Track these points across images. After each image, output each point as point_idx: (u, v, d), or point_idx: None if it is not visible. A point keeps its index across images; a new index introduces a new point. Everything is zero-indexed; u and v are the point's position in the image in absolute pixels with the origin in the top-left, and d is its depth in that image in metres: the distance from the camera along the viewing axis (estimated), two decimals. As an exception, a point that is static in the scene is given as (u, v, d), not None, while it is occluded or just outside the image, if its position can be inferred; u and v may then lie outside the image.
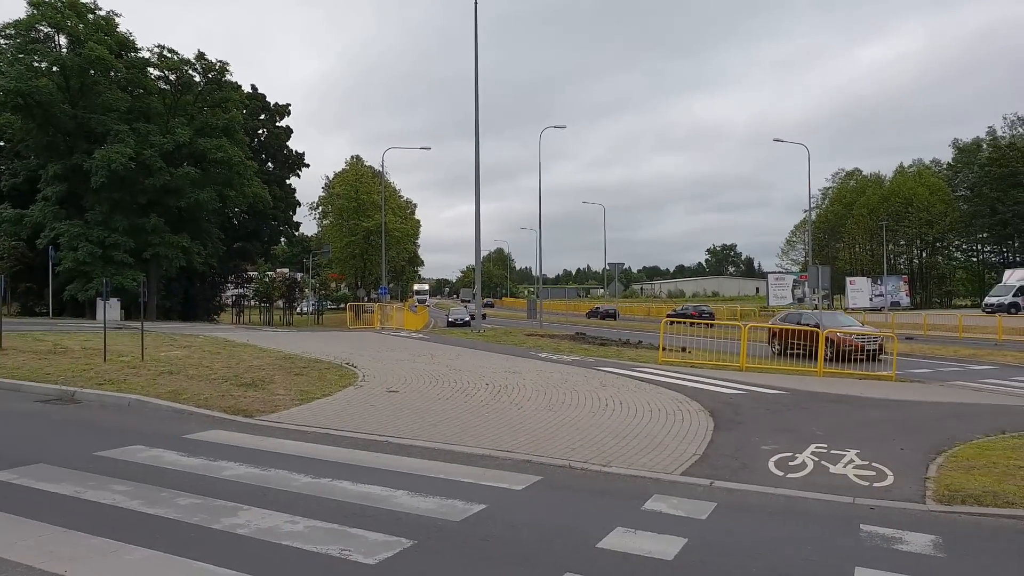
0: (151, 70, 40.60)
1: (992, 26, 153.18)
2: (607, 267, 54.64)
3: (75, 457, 7.15)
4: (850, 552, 5.24)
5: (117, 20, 39.11)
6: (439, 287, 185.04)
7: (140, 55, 39.95)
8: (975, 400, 13.70)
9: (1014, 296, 49.85)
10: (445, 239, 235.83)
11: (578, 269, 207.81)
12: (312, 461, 7.36)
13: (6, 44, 36.17)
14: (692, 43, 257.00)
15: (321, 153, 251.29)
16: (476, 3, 28.97)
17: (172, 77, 40.83)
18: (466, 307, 55.84)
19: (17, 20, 35.88)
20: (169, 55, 39.89)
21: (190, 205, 38.52)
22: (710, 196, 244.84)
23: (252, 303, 53.54)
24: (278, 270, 62.22)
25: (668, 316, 34.77)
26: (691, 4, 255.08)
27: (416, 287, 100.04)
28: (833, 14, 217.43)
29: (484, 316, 35.00)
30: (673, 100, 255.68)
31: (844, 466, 7.79)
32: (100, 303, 30.85)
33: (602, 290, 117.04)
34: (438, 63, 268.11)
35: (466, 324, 41.47)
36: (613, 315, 29.75)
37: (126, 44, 39.46)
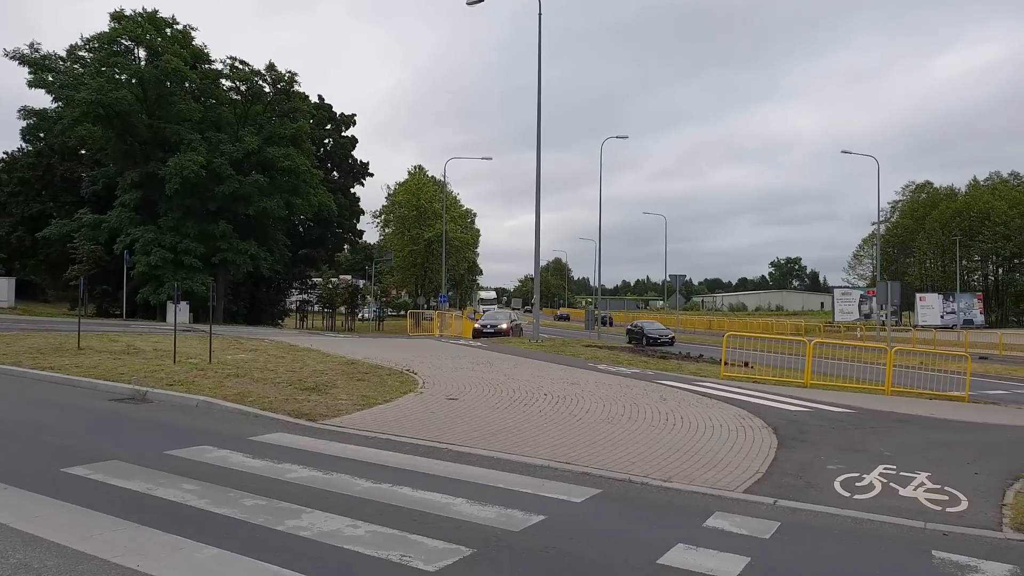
0: (223, 81, 42.10)
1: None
2: (667, 278, 53.99)
3: (147, 455, 7.44)
4: (923, 580, 5.04)
5: (193, 34, 40.75)
6: (499, 296, 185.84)
7: (213, 67, 41.48)
8: (1057, 425, 13.01)
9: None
10: (506, 249, 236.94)
11: (637, 280, 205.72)
12: (373, 466, 7.48)
13: (90, 57, 38.02)
14: (759, 54, 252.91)
15: (389, 164, 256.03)
16: (540, 16, 29.13)
17: (243, 88, 42.24)
18: (510, 313, 48.33)
19: (100, 34, 37.69)
20: (240, 67, 41.29)
21: (258, 212, 39.67)
22: (776, 208, 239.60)
23: (315, 308, 54.72)
24: (341, 277, 63.51)
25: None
26: (755, 17, 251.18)
27: (482, 294, 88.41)
28: (906, 23, 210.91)
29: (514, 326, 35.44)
30: (740, 111, 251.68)
31: (914, 489, 7.50)
32: (171, 306, 32.09)
33: (661, 302, 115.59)
34: (505, 76, 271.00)
35: (497, 333, 36.54)
36: (669, 342, 25.19)
37: (201, 56, 41.01)
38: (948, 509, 6.87)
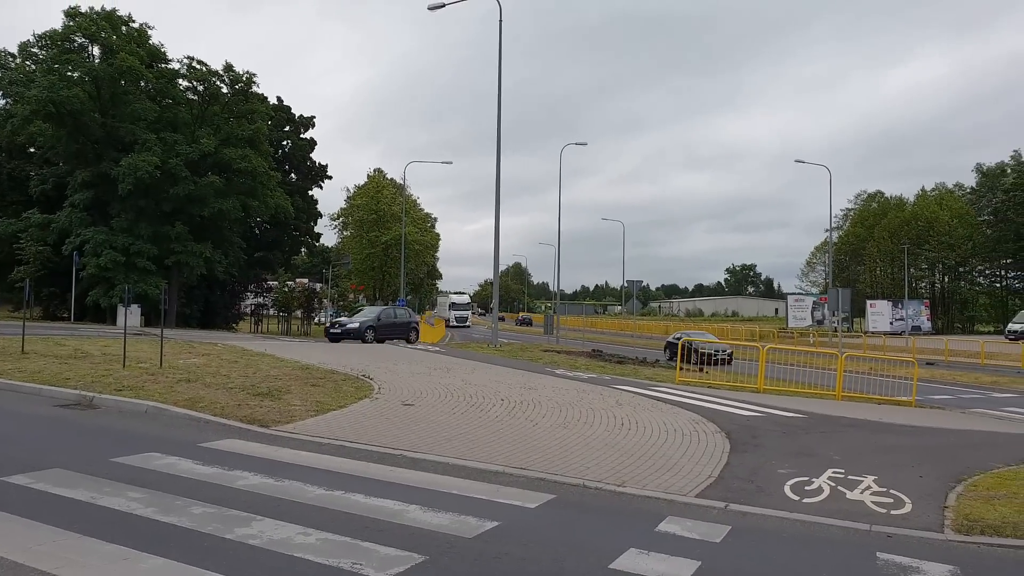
0: (180, 81, 41.26)
1: (1016, 54, 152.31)
2: (625, 284, 54.58)
3: (91, 463, 7.23)
4: (866, 581, 5.17)
5: (150, 32, 39.89)
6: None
7: (170, 66, 40.64)
8: (996, 428, 13.49)
9: (1039, 323, 49.07)
10: (467, 253, 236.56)
11: (596, 285, 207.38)
12: (326, 473, 7.39)
13: (42, 55, 36.95)
14: (718, 63, 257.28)
15: (353, 164, 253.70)
16: (500, 21, 29.26)
17: (200, 88, 41.45)
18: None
19: (53, 31, 36.66)
20: (198, 66, 40.50)
21: (213, 214, 38.93)
22: (732, 215, 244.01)
23: (271, 312, 53.91)
24: (298, 280, 62.63)
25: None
26: (716, 25, 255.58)
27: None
28: (858, 40, 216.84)
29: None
30: (699, 119, 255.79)
31: (861, 492, 7.69)
32: (121, 309, 31.29)
33: (619, 307, 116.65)
34: (470, 79, 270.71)
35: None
36: (727, 359, 25.34)
37: (157, 55, 40.14)
38: (893, 511, 7.06)
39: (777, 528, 6.51)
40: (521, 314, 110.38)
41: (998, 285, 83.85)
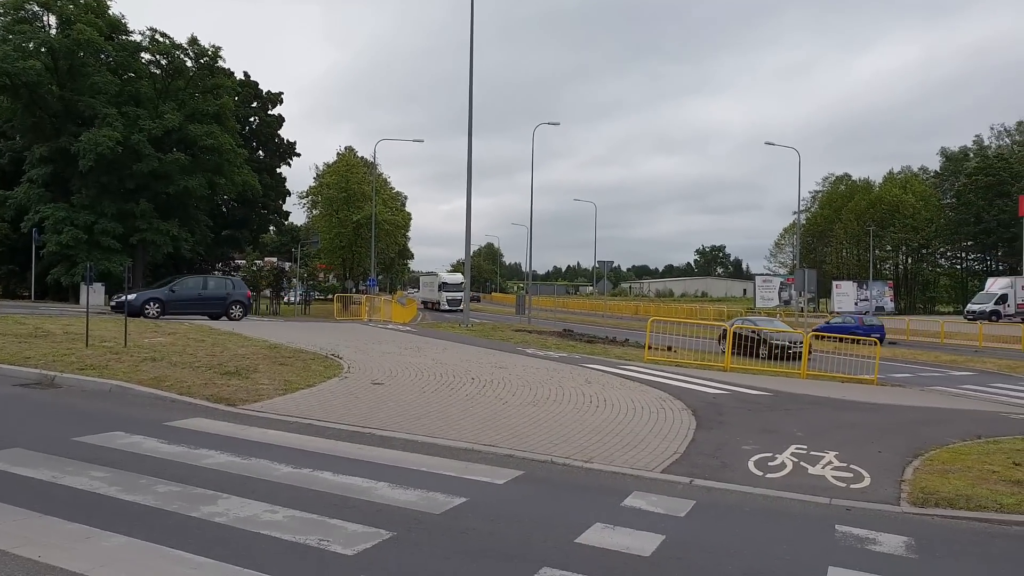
0: (142, 54, 40.24)
1: (983, 42, 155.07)
2: (597, 264, 54.76)
3: (53, 442, 7.11)
4: (824, 552, 5.31)
5: (110, 3, 38.80)
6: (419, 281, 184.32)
7: (132, 38, 39.60)
8: (953, 405, 13.88)
9: (995, 304, 50.43)
10: (440, 233, 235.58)
11: (568, 266, 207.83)
12: (294, 451, 7.36)
13: (-6, 24, 35.81)
14: (692, 48, 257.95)
15: (323, 145, 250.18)
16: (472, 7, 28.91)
17: (163, 61, 40.49)
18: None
19: (5, -1, 35.51)
20: (161, 39, 39.56)
21: (179, 192, 38.23)
22: (703, 197, 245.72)
23: (239, 291, 53.17)
24: (266, 259, 61.85)
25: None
26: (690, 11, 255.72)
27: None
28: (829, 26, 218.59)
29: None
30: (672, 103, 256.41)
31: (823, 467, 7.87)
32: (84, 287, 30.65)
33: (591, 287, 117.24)
34: (444, 59, 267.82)
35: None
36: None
37: (118, 27, 39.09)
38: (852, 486, 7.24)
39: (740, 503, 6.64)
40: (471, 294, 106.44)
41: (959, 267, 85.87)
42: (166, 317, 23.53)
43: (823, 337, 22.07)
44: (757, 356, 19.86)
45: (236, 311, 25.89)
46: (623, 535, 5.33)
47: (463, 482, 6.57)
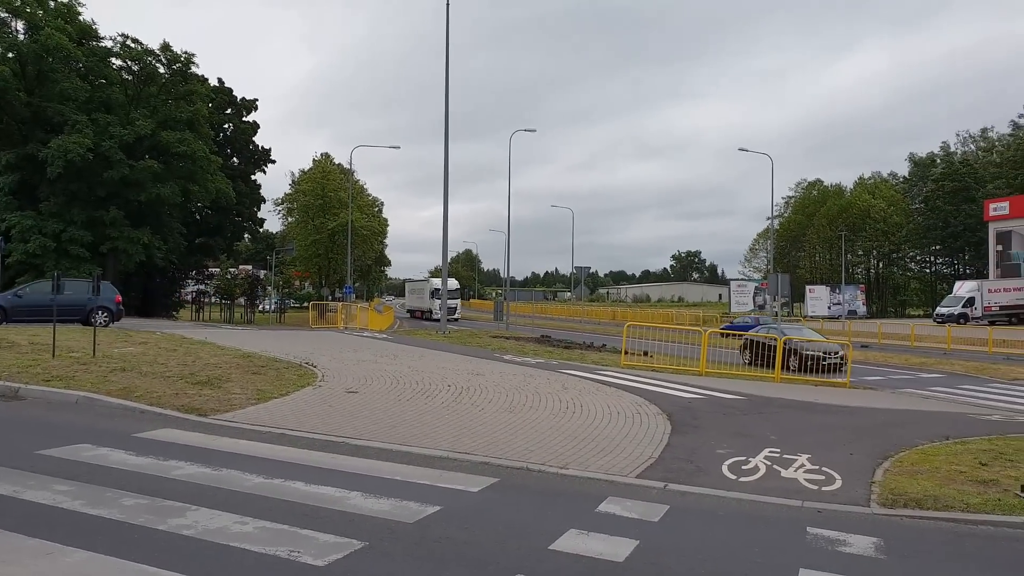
0: (113, 60, 39.68)
1: (950, 53, 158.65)
2: (574, 270, 54.88)
3: (15, 456, 6.94)
4: (795, 554, 5.34)
5: (80, 8, 38.23)
6: (403, 287, 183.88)
7: (103, 44, 39.05)
8: (923, 407, 14.06)
9: (963, 307, 51.29)
10: (419, 239, 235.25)
11: (547, 272, 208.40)
12: (266, 461, 7.27)
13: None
14: (669, 56, 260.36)
15: (300, 151, 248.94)
16: (448, 5, 28.98)
17: (135, 67, 39.94)
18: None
19: (-29, 4, 34.83)
20: (133, 45, 39.01)
21: (151, 199, 37.63)
22: (679, 203, 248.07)
23: (213, 300, 52.65)
24: (241, 267, 61.33)
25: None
26: (668, 19, 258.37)
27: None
28: (803, 35, 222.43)
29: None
30: (650, 110, 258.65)
31: (795, 470, 7.93)
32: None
33: (569, 293, 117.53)
34: (423, 65, 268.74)
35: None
36: (840, 362, 20.46)
37: (88, 32, 38.51)
38: (824, 488, 7.31)
39: (714, 507, 6.67)
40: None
41: (928, 271, 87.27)
42: (10, 324, 21.22)
43: (727, 335, 22.40)
44: (786, 368, 17.98)
45: (100, 317, 23.29)
46: (597, 541, 5.32)
47: (437, 490, 6.53)
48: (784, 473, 7.81)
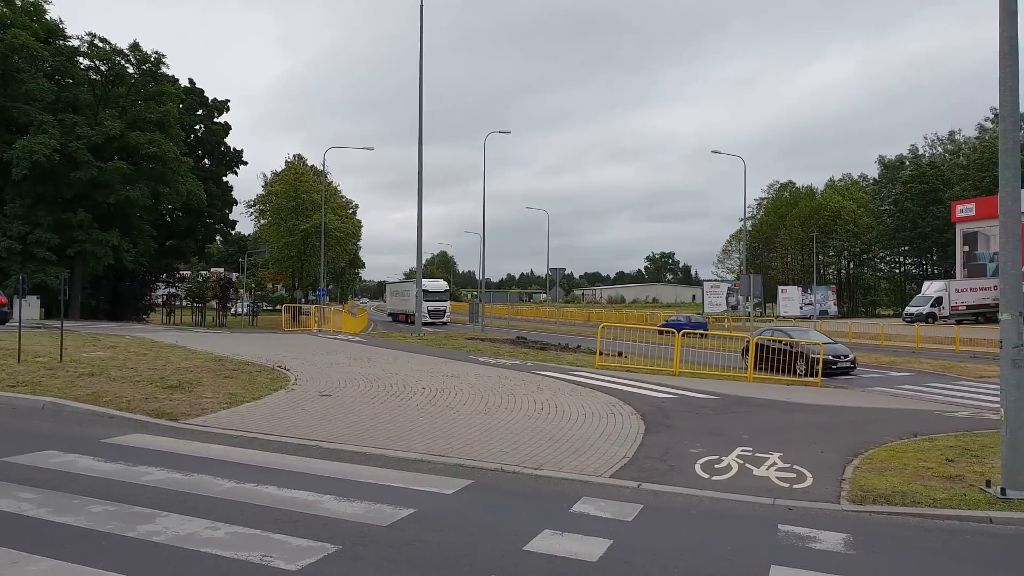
0: (81, 59, 39.04)
1: (918, 58, 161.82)
2: (549, 272, 54.92)
3: (-19, 462, 6.80)
4: (767, 551, 5.40)
5: (47, 6, 37.59)
6: (380, 289, 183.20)
7: (70, 43, 38.39)
8: (892, 405, 14.31)
9: (931, 307, 52.24)
10: (393, 241, 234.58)
11: (522, 274, 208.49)
12: (238, 466, 7.19)
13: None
14: (642, 59, 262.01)
15: (275, 153, 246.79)
16: (422, 4, 28.91)
17: (103, 67, 39.32)
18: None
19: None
20: (100, 44, 38.41)
21: (120, 201, 37.07)
22: (653, 205, 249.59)
23: (184, 303, 51.96)
24: (212, 269, 60.53)
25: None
26: (641, 23, 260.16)
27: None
28: (773, 39, 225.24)
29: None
30: (624, 113, 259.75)
31: (767, 468, 8.02)
32: (17, 301, 29.48)
33: (544, 295, 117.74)
34: (399, 67, 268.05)
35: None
36: (850, 365, 20.86)
37: (55, 31, 37.88)
38: (795, 486, 7.40)
39: (687, 505, 6.73)
40: None
41: (897, 271, 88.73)
42: None
43: (664, 332, 23.79)
44: (792, 372, 17.28)
45: None
46: (571, 541, 5.34)
47: (411, 493, 6.51)
48: (756, 471, 7.90)
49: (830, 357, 19.17)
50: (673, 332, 20.42)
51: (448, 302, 58.17)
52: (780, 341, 19.19)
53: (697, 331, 22.89)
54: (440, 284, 59.07)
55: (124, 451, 7.59)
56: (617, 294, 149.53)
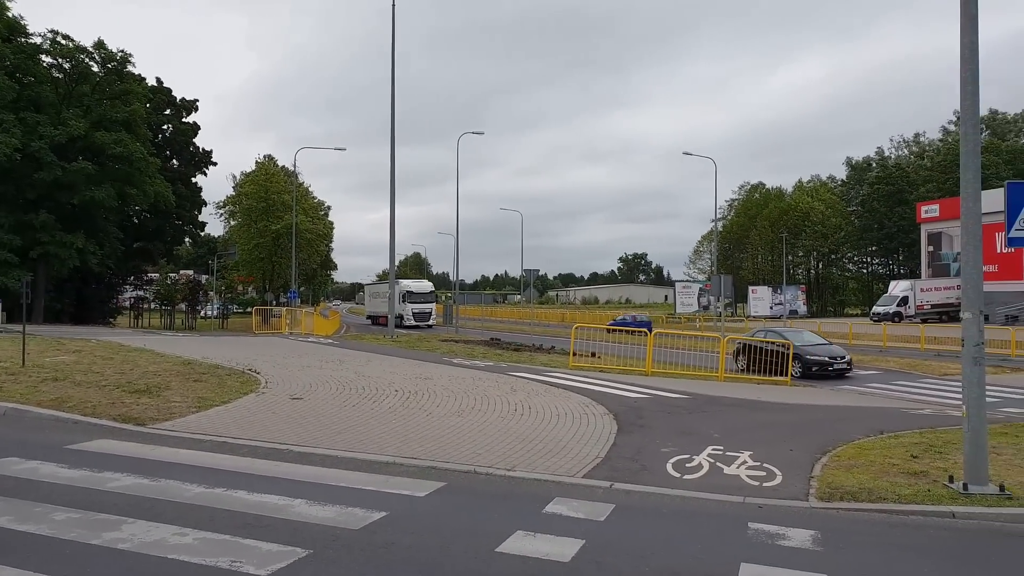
0: (43, 57, 38.21)
1: (884, 62, 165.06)
2: (523, 273, 54.90)
3: (-60, 470, 6.63)
4: (737, 549, 5.46)
5: (9, 4, 36.71)
6: (353, 291, 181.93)
7: (32, 41, 37.56)
8: (859, 403, 14.55)
9: (897, 306, 53.22)
10: (367, 242, 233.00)
11: (496, 275, 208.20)
12: (207, 470, 7.09)
13: None
14: (616, 62, 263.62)
15: (245, 153, 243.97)
16: (394, 4, 28.77)
17: (67, 65, 38.54)
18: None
19: None
20: (64, 41, 37.64)
21: (85, 202, 36.35)
22: (626, 206, 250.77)
23: (152, 306, 51.15)
24: (181, 272, 59.72)
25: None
26: (614, 26, 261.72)
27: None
28: (744, 43, 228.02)
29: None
30: (597, 115, 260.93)
31: (738, 467, 8.11)
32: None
33: (519, 296, 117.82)
34: (370, 70, 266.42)
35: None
36: (846, 367, 20.29)
37: (16, 28, 37.01)
38: (765, 484, 7.49)
39: (658, 505, 6.77)
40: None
41: (865, 271, 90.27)
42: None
43: (613, 330, 25.16)
44: (785, 374, 17.07)
45: None
46: (543, 542, 5.35)
47: (383, 496, 6.47)
48: (727, 470, 7.98)
49: (827, 359, 19.22)
50: (645, 332, 20.57)
51: (434, 304, 55.76)
52: (777, 343, 19.21)
53: (641, 329, 23.75)
54: (426, 285, 56.62)
55: (89, 457, 7.45)
56: (591, 295, 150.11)
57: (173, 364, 14.42)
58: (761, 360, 17.47)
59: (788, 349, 18.46)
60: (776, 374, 17.67)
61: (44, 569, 4.41)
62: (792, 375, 18.26)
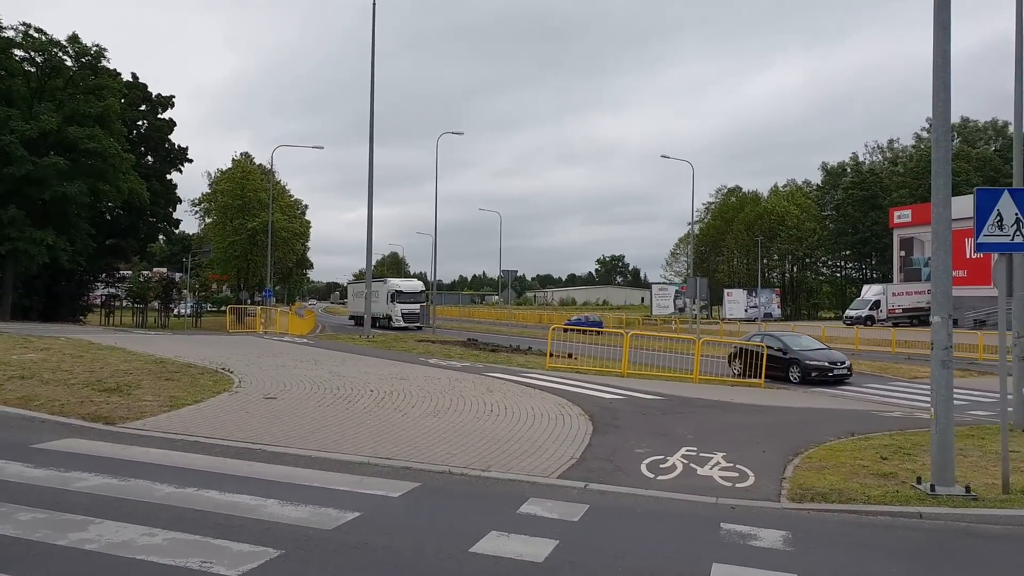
0: (15, 51, 37.51)
1: (859, 69, 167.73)
2: (501, 274, 54.81)
3: (-99, 470, 6.48)
4: (709, 550, 5.50)
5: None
6: (328, 290, 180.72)
7: (3, 34, 36.85)
8: (831, 405, 14.74)
9: (870, 310, 54.02)
10: (344, 241, 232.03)
11: (474, 275, 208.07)
12: (178, 470, 7.00)
13: None
14: (594, 65, 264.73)
15: (222, 151, 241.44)
16: (374, 4, 28.66)
17: (39, 59, 37.88)
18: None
19: None
20: (36, 35, 36.99)
21: (56, 198, 35.71)
22: (604, 209, 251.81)
23: (124, 304, 50.41)
24: (155, 269, 58.92)
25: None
26: (592, 29, 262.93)
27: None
28: (722, 47, 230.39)
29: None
30: (576, 117, 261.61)
31: (711, 468, 8.17)
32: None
33: (496, 296, 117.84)
34: (348, 69, 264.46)
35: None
36: (846, 372, 19.53)
37: (-14, 22, 36.36)
38: (738, 485, 7.56)
39: (632, 505, 6.81)
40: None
41: (838, 275, 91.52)
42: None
43: (569, 329, 26.15)
44: (784, 380, 16.96)
45: None
46: (517, 542, 5.35)
47: (357, 496, 6.44)
48: (700, 471, 8.04)
49: (826, 364, 19.10)
50: (622, 333, 20.68)
51: (424, 304, 53.16)
52: (771, 348, 18.81)
53: (593, 328, 27.47)
54: (416, 285, 54.55)
55: (56, 456, 7.32)
56: (569, 296, 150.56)
57: (145, 363, 14.22)
58: (757, 365, 17.46)
59: (786, 354, 18.31)
60: (774, 380, 17.37)
61: (8, 570, 4.33)
62: (792, 381, 18.17)
